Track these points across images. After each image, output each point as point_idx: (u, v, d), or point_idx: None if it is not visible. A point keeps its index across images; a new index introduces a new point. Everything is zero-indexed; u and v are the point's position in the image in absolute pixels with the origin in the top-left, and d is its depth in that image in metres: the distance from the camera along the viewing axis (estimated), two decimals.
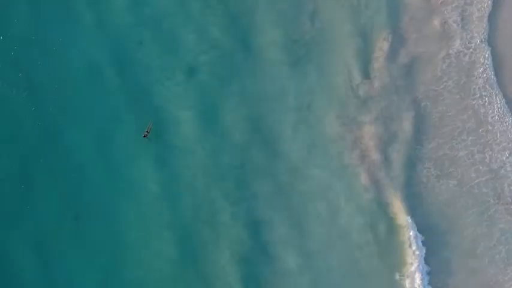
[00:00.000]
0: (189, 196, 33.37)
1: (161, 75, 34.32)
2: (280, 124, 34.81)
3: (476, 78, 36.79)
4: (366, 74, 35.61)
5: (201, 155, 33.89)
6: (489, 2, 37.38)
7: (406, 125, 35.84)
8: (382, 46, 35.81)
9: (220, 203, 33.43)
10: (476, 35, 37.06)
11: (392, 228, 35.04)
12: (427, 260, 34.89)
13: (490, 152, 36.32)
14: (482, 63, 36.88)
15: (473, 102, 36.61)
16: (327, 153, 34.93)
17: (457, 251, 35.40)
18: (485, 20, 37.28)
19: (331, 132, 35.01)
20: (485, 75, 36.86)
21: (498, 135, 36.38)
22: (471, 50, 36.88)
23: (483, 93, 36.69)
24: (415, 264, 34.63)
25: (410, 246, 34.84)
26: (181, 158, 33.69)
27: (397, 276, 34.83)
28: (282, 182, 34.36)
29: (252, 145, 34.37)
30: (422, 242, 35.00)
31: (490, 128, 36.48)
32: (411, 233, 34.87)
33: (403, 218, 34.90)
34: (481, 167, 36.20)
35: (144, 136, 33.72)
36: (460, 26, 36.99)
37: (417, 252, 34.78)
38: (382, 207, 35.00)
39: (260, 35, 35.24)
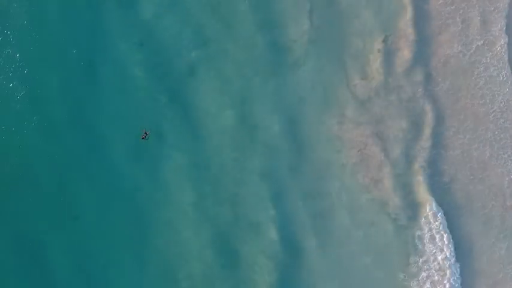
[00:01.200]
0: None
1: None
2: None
3: (476, 78, 36.94)
4: (364, 74, 35.68)
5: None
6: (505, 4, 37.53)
7: (404, 125, 36.01)
8: (380, 47, 35.88)
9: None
10: (478, 37, 37.07)
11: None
12: None
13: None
14: (484, 63, 37.03)
15: (473, 102, 36.93)
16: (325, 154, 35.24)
17: None
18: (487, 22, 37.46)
19: (328, 131, 35.20)
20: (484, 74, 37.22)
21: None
22: (471, 51, 36.99)
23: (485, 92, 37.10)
24: None
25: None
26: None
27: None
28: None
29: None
30: None
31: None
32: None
33: None
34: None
35: (143, 138, 33.74)
36: (459, 27, 37.00)
37: None
38: (382, 206, 35.28)
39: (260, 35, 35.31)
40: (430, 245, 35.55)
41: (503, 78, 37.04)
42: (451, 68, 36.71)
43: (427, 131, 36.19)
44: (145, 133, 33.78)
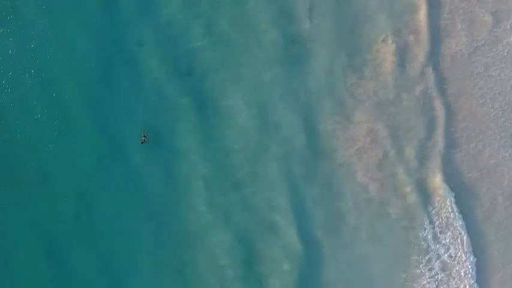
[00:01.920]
0: None
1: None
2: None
3: (475, 78, 36.84)
4: (362, 74, 35.81)
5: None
6: None
7: (404, 124, 36.01)
8: (379, 47, 35.96)
9: None
10: (479, 38, 37.01)
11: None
12: None
13: None
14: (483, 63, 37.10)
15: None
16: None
17: None
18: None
19: (325, 130, 35.33)
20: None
21: None
22: (470, 51, 36.97)
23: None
24: None
25: None
26: None
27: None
28: None
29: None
30: None
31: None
32: None
33: None
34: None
35: (142, 142, 33.69)
36: (459, 27, 37.03)
37: None
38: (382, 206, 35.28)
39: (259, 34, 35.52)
40: (437, 244, 35.55)
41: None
42: (456, 66, 36.71)
43: (429, 130, 36.12)
44: (144, 136, 33.57)
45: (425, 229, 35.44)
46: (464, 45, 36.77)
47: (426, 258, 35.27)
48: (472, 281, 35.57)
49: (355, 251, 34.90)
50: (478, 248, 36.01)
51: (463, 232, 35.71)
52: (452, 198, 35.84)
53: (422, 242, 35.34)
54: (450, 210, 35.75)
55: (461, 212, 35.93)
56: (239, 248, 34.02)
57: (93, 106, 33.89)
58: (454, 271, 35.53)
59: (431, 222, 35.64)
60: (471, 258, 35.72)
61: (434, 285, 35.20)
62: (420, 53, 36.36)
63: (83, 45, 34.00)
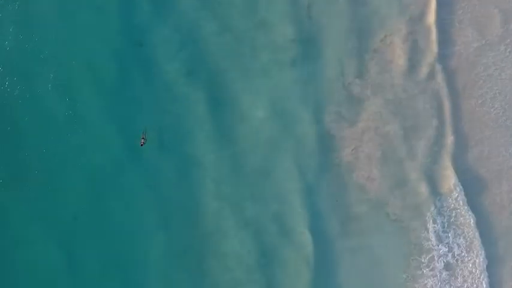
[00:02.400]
0: None
1: None
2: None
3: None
4: (360, 73, 35.72)
5: None
6: None
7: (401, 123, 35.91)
8: (377, 47, 35.88)
9: None
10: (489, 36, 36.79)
11: None
12: None
13: None
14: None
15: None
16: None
17: None
18: None
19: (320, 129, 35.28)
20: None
21: None
22: (471, 49, 36.68)
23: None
24: None
25: None
26: None
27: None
28: None
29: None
30: None
31: None
32: None
33: None
34: None
35: (142, 145, 33.51)
36: (458, 27, 36.89)
37: None
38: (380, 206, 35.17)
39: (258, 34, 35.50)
40: (440, 245, 35.48)
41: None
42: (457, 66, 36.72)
43: (429, 130, 36.01)
44: (143, 138, 33.53)
45: (427, 229, 35.37)
46: (474, 43, 36.69)
47: (429, 257, 35.12)
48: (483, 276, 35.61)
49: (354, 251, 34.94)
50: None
51: (470, 230, 35.63)
52: (462, 197, 35.76)
53: (425, 242, 35.22)
54: (456, 207, 35.64)
55: (469, 209, 35.77)
56: (251, 247, 34.14)
57: (103, 104, 34.02)
58: (460, 269, 35.50)
59: (435, 221, 35.51)
60: (481, 257, 35.66)
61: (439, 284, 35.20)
62: (427, 52, 36.28)
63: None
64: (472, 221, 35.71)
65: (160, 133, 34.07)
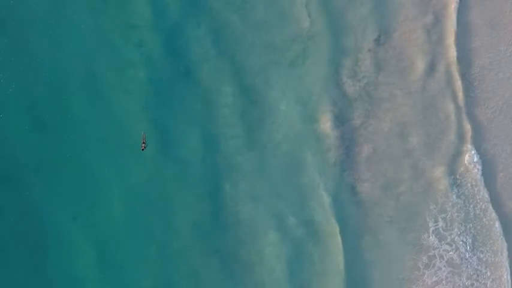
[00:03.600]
0: None
1: None
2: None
3: None
4: (353, 73, 35.62)
5: None
6: None
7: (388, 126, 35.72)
8: (371, 47, 35.69)
9: None
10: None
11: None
12: None
13: None
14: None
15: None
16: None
17: None
18: None
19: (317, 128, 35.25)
20: None
21: None
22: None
23: None
24: None
25: None
26: None
27: None
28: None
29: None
30: None
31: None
32: None
33: None
34: None
35: (143, 149, 33.29)
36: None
37: None
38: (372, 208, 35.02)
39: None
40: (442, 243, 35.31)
41: None
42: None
43: (433, 127, 35.96)
44: (144, 142, 33.52)
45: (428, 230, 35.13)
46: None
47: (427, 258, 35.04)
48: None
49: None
50: None
51: None
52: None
53: (423, 242, 35.04)
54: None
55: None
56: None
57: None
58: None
59: (436, 220, 35.21)
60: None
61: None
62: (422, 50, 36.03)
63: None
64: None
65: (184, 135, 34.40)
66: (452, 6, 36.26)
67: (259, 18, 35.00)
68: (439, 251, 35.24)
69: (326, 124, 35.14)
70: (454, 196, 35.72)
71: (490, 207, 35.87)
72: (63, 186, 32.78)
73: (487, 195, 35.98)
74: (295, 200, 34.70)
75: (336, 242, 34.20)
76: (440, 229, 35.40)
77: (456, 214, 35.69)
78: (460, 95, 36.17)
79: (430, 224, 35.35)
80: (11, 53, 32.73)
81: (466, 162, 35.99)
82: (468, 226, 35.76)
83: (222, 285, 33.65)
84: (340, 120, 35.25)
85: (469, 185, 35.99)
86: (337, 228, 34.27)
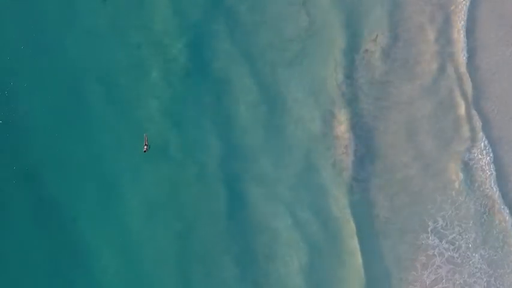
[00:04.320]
0: None
1: None
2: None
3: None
4: (351, 73, 35.50)
5: None
6: None
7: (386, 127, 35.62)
8: (369, 47, 35.56)
9: None
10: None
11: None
12: None
13: None
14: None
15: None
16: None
17: None
18: None
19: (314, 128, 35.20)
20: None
21: None
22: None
23: None
24: None
25: None
26: None
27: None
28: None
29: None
30: None
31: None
32: None
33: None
34: None
35: (145, 151, 33.27)
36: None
37: None
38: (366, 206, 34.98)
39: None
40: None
41: None
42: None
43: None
44: (146, 144, 33.13)
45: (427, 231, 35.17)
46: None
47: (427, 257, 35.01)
48: None
49: None
50: None
51: None
52: None
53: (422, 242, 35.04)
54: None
55: None
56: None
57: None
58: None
59: (435, 221, 35.18)
60: None
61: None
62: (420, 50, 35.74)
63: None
64: None
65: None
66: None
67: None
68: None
69: (324, 123, 35.21)
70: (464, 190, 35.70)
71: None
72: (81, 186, 33.57)
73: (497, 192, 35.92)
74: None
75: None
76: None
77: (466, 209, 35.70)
78: (469, 91, 36.08)
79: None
80: None
81: (475, 157, 35.87)
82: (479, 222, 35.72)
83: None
84: (335, 119, 35.27)
85: (478, 181, 35.92)
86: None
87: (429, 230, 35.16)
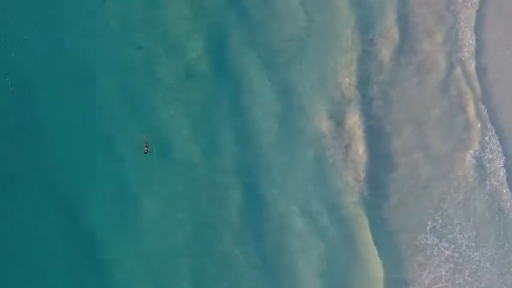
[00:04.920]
0: None
1: None
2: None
3: None
4: (349, 72, 35.43)
5: None
6: None
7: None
8: (366, 47, 35.62)
9: None
10: None
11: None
12: None
13: None
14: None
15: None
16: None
17: None
18: None
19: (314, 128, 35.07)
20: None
21: None
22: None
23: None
24: None
25: None
26: None
27: None
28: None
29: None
30: None
31: None
32: None
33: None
34: None
35: (145, 152, 33.10)
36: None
37: None
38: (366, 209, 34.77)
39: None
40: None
41: None
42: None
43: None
44: (146, 146, 32.95)
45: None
46: None
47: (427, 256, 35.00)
48: None
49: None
50: None
51: None
52: None
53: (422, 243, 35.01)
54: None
55: None
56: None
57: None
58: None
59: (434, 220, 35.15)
60: None
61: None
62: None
63: None
64: None
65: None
66: None
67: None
68: None
69: (322, 123, 35.02)
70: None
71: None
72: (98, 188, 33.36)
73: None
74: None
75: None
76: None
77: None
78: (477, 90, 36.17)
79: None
80: None
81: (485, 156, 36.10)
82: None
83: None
84: (337, 119, 35.22)
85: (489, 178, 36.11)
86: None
87: (430, 228, 35.20)
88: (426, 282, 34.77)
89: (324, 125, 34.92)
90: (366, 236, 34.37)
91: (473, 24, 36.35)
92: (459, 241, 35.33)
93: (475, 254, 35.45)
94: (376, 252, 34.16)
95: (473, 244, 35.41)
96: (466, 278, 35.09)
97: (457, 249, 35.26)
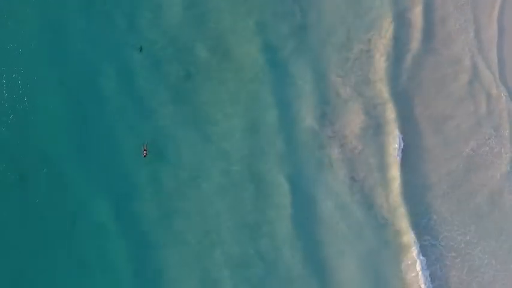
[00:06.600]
0: None
1: None
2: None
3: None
4: (344, 72, 35.74)
5: None
6: None
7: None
8: (362, 47, 35.94)
9: None
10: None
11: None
12: None
13: None
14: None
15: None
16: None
17: None
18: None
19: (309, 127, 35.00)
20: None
21: None
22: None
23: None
24: None
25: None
26: None
27: None
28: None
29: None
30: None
31: None
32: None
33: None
34: None
35: (144, 156, 32.74)
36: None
37: None
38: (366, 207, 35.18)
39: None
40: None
41: None
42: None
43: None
44: (145, 149, 32.63)
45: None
46: None
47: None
48: None
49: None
50: None
51: None
52: None
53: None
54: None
55: None
56: None
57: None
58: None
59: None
60: None
61: None
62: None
63: None
64: None
65: None
66: None
67: None
68: None
69: (319, 122, 35.12)
70: None
71: None
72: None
73: None
74: None
75: None
76: None
77: None
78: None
79: None
80: None
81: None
82: None
83: None
84: (331, 119, 35.31)
85: None
86: None
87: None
88: None
89: (319, 123, 35.01)
90: None
91: None
92: None
93: None
94: None
95: None
96: None
97: None
